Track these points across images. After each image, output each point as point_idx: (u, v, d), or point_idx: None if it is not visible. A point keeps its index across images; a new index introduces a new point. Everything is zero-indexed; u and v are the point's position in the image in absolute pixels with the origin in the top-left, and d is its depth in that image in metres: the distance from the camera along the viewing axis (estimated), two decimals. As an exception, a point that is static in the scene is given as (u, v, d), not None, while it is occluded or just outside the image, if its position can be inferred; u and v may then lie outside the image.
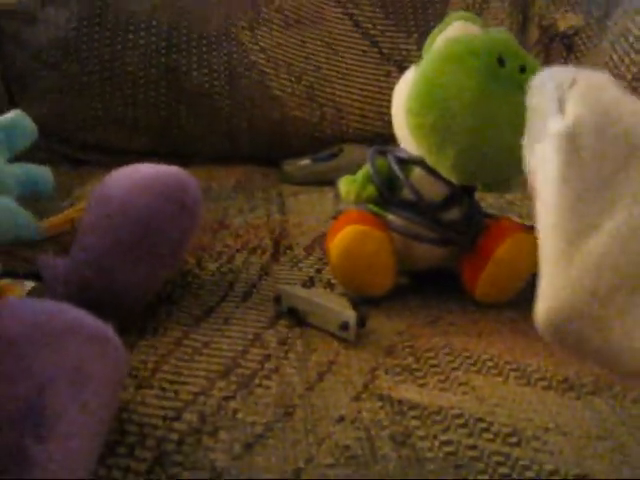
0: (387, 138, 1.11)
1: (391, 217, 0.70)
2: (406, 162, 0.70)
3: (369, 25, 1.13)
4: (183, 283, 0.73)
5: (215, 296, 0.72)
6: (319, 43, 1.11)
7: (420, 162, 0.68)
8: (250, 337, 0.64)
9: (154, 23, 1.03)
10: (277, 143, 1.09)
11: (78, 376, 0.43)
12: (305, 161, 1.03)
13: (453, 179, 0.66)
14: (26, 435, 0.40)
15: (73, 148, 1.06)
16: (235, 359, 0.61)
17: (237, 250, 0.81)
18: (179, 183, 0.65)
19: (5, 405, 0.39)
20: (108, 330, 0.45)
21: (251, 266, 0.77)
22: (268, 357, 0.61)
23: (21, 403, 0.40)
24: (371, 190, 0.69)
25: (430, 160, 0.66)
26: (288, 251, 0.81)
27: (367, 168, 0.71)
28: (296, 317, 0.66)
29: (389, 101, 1.13)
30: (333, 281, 0.74)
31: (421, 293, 0.73)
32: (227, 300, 0.71)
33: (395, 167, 0.69)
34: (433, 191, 0.69)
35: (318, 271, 0.76)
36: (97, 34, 1.02)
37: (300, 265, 0.78)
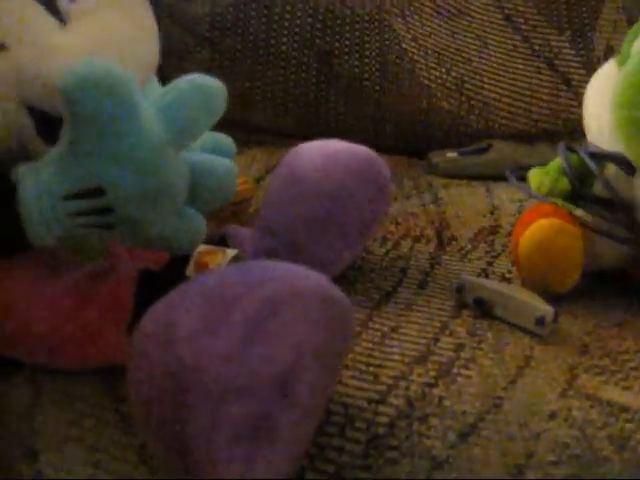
0: (533, 136, 1.09)
1: (579, 212, 0.67)
2: (599, 157, 0.67)
3: (520, 20, 1.10)
4: (354, 265, 0.72)
5: (389, 281, 0.70)
6: (469, 35, 1.08)
7: (618, 158, 0.65)
8: (438, 325, 0.62)
9: (311, 4, 1.02)
10: (422, 133, 1.07)
11: (322, 351, 0.41)
12: (452, 154, 1.01)
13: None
14: (274, 403, 0.39)
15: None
16: (428, 346, 0.59)
17: (401, 237, 0.79)
18: (373, 162, 0.64)
19: (261, 369, 0.38)
20: (347, 301, 0.43)
21: (419, 254, 0.75)
22: (462, 346, 0.59)
23: (276, 369, 0.38)
24: (564, 184, 0.67)
25: (634, 155, 0.63)
26: (453, 242, 0.78)
27: (558, 162, 0.68)
28: (482, 308, 0.63)
29: (538, 98, 1.10)
30: (507, 275, 0.72)
31: (600, 293, 0.70)
32: (403, 286, 0.69)
33: (590, 162, 0.66)
34: (628, 189, 0.66)
35: (489, 264, 0.74)
36: (254, 11, 1.01)
37: (469, 257, 0.75)
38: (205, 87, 0.47)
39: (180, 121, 0.46)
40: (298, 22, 1.02)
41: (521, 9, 1.12)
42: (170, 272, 0.55)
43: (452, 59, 1.07)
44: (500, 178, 0.84)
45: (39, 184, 0.45)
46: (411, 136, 1.07)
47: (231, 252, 0.56)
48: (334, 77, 1.04)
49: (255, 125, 1.05)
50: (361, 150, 0.64)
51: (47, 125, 0.49)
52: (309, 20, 1.02)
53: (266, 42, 1.02)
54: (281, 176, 0.64)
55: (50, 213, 0.46)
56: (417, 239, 0.79)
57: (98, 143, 0.43)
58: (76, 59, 0.47)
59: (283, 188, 0.63)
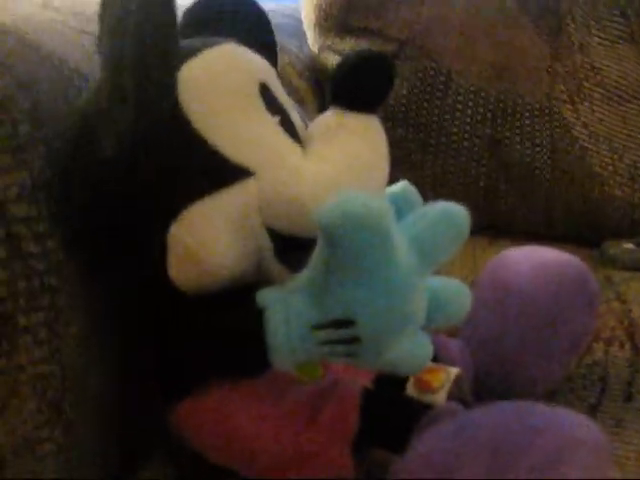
0: None
1: None
2: None
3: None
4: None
5: (592, 392, 0.67)
6: (642, 120, 1.06)
7: None
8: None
9: (482, 95, 1.02)
10: (593, 222, 1.04)
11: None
12: (628, 245, 0.98)
13: None
14: None
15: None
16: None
17: (592, 339, 0.76)
18: (584, 275, 0.62)
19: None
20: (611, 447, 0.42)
21: (615, 360, 0.73)
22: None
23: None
24: None
25: None
26: (647, 346, 0.75)
27: None
28: None
29: None
30: None
31: None
32: (607, 398, 0.66)
33: None
34: None
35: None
36: (426, 102, 1.02)
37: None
38: (456, 217, 0.47)
39: (432, 253, 0.46)
40: (469, 112, 1.02)
41: (694, 93, 1.09)
42: (388, 390, 0.55)
43: (624, 145, 1.05)
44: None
45: (289, 311, 0.46)
46: (582, 225, 1.05)
47: (453, 371, 0.56)
48: (504, 166, 1.03)
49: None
50: (572, 261, 0.63)
51: (285, 247, 0.50)
52: (480, 109, 1.02)
53: (437, 132, 1.03)
54: (487, 286, 0.63)
55: (298, 341, 0.46)
56: (609, 342, 0.76)
57: (354, 275, 0.44)
58: (322, 184, 0.48)
59: (490, 300, 0.62)
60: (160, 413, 0.54)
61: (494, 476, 0.37)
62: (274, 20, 1.02)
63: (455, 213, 0.47)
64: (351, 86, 0.50)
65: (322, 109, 0.55)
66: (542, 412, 0.41)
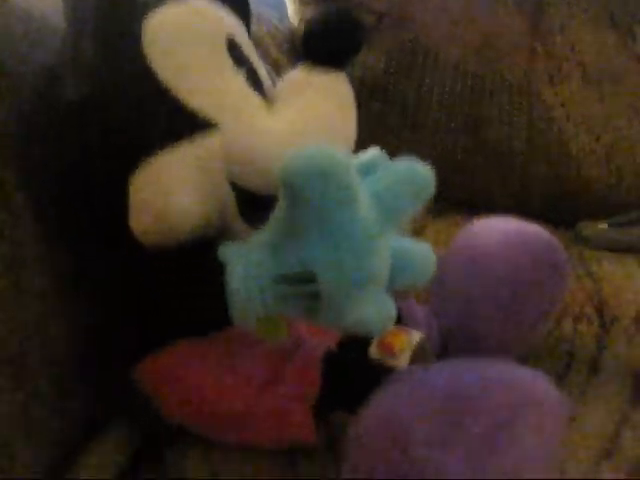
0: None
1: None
2: None
3: (673, 87, 1.07)
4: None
5: (558, 364, 0.68)
6: (619, 102, 1.05)
7: None
8: (618, 417, 0.59)
9: (461, 69, 1.01)
10: (569, 203, 1.04)
11: (548, 460, 0.40)
12: (602, 225, 0.98)
13: None
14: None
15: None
16: (612, 440, 0.56)
17: (561, 315, 0.76)
18: (551, 242, 0.62)
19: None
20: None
21: (583, 336, 0.73)
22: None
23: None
24: None
25: None
26: (615, 323, 0.76)
27: None
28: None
29: (692, 170, 1.06)
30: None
31: None
32: (573, 370, 0.66)
33: None
34: None
35: (661, 350, 0.71)
36: (404, 77, 1.02)
37: (636, 340, 0.72)
38: (420, 177, 0.46)
39: (394, 210, 0.46)
40: (447, 88, 1.02)
41: (674, 76, 1.09)
42: (351, 352, 0.55)
43: (601, 127, 1.05)
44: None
45: (249, 266, 0.46)
46: (558, 205, 1.05)
47: (416, 335, 0.55)
48: (481, 143, 1.03)
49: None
50: (541, 232, 0.63)
51: (248, 203, 0.50)
52: (458, 86, 1.02)
53: (415, 106, 1.02)
54: (458, 253, 0.63)
55: (258, 295, 0.46)
56: (578, 318, 0.77)
57: (316, 229, 0.43)
58: (286, 141, 0.48)
59: (460, 268, 0.62)
60: (124, 372, 0.53)
61: (447, 433, 0.37)
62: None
63: (419, 171, 0.46)
64: (319, 41, 0.50)
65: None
66: (499, 368, 0.40)
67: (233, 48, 0.50)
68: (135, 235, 0.48)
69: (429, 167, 0.47)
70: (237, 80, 0.49)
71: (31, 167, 0.51)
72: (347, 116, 0.51)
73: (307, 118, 0.49)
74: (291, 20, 1.10)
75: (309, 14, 1.06)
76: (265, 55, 1.03)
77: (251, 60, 0.52)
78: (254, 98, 0.50)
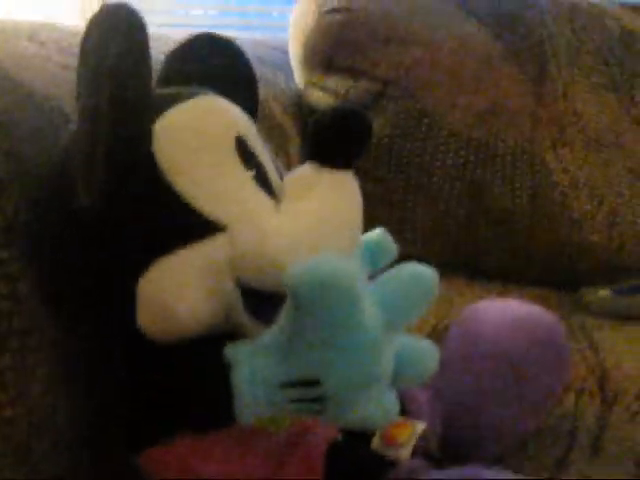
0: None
1: None
2: None
3: (673, 153, 1.08)
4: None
5: (559, 446, 0.68)
6: (621, 167, 1.07)
7: None
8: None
9: (465, 136, 1.03)
10: (571, 268, 1.05)
11: None
12: (605, 291, 0.99)
13: None
14: None
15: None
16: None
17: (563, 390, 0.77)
18: (553, 328, 0.63)
19: None
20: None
21: (585, 413, 0.73)
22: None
23: None
24: None
25: None
26: (619, 398, 0.76)
27: None
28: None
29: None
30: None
31: None
32: (575, 452, 0.67)
33: None
34: None
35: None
36: (409, 144, 1.03)
37: (638, 420, 0.72)
38: (426, 280, 0.47)
39: (400, 314, 0.47)
40: (451, 154, 1.03)
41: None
42: (354, 441, 0.55)
43: (604, 192, 1.06)
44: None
45: (255, 370, 0.46)
46: (560, 269, 1.06)
47: (419, 426, 0.56)
48: (484, 208, 1.04)
49: (403, 255, 1.05)
50: (543, 316, 0.63)
51: (255, 300, 0.51)
52: (462, 152, 1.03)
53: (418, 173, 1.04)
54: (458, 339, 0.64)
55: (263, 399, 0.47)
56: (580, 393, 0.77)
57: (321, 336, 0.44)
58: (295, 242, 0.49)
59: (461, 351, 0.63)
60: (128, 458, 0.54)
61: None
62: (262, 52, 1.03)
63: (424, 275, 0.47)
64: (327, 143, 0.50)
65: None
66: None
67: (242, 147, 0.51)
68: (142, 331, 0.48)
69: (433, 269, 0.47)
70: (245, 181, 0.50)
71: (40, 259, 0.51)
72: (355, 215, 0.52)
73: (315, 217, 0.50)
74: (297, 83, 1.11)
75: (321, 92, 1.07)
76: (270, 118, 1.05)
77: (259, 158, 0.53)
78: (262, 199, 0.51)
